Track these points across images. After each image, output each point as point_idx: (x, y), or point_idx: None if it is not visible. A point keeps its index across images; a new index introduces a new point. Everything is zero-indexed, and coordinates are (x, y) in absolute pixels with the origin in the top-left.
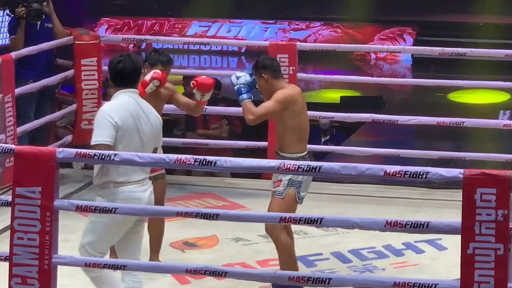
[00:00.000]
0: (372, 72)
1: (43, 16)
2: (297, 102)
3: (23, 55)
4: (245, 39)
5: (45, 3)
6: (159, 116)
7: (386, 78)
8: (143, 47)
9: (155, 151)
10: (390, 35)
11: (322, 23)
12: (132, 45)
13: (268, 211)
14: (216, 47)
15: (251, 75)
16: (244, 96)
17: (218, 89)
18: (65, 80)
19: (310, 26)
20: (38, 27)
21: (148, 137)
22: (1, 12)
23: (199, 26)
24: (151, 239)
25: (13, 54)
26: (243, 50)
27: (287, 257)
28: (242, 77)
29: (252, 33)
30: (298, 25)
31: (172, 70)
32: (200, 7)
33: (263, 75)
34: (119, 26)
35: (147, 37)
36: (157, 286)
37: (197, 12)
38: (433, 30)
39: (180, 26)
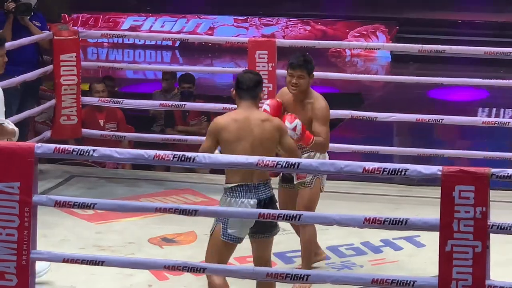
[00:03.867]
0: (347, 69)
1: (32, 12)
2: (226, 130)
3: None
4: (180, 33)
5: None
6: None
7: (365, 75)
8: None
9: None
10: (364, 32)
11: (292, 19)
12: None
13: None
14: (150, 42)
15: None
16: None
17: (192, 83)
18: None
19: (279, 22)
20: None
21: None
22: None
23: (133, 21)
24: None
25: None
26: (177, 45)
27: None
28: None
29: (186, 27)
30: (271, 21)
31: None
32: (171, 3)
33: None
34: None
35: (126, 32)
36: (135, 282)
37: (168, 8)
38: (413, 27)
39: (113, 20)
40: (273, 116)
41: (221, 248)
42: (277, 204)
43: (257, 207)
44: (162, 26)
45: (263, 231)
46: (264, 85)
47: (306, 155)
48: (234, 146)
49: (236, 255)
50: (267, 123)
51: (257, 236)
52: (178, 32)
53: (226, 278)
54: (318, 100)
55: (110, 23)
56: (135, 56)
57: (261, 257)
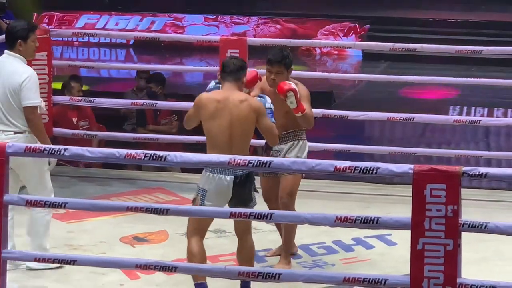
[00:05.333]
0: (317, 67)
1: (5, 11)
2: (206, 108)
3: None
4: (134, 31)
5: None
6: None
7: (336, 74)
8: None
9: None
10: (333, 30)
11: (262, 18)
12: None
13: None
14: (105, 39)
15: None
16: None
17: (162, 84)
18: None
19: (250, 20)
20: None
21: None
22: None
23: (88, 19)
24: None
25: None
26: (131, 43)
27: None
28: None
29: (140, 25)
30: (242, 20)
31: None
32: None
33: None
34: None
35: (97, 31)
36: (107, 281)
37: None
38: (384, 26)
39: (67, 19)
40: (248, 83)
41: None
42: (254, 182)
43: (233, 183)
44: (116, 24)
45: (239, 204)
46: None
47: (290, 143)
48: (211, 124)
49: (207, 253)
50: (245, 103)
51: (233, 206)
52: (133, 30)
53: None
54: (299, 84)
55: (65, 21)
56: (90, 54)
57: (238, 227)
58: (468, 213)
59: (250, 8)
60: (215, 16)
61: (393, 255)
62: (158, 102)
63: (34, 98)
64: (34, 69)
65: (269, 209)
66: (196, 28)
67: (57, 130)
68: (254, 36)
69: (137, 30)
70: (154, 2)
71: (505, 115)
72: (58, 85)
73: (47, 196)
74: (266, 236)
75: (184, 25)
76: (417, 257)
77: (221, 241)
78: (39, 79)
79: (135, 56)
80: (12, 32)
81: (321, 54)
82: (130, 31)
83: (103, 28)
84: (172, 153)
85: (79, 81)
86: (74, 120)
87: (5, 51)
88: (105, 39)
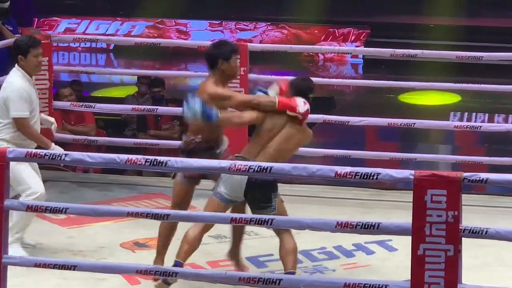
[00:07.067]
0: (320, 73)
1: (8, 16)
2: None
3: None
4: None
5: (8, 2)
6: None
7: (337, 79)
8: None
9: None
10: (336, 36)
11: (268, 23)
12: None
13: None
14: (85, 44)
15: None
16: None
17: (162, 87)
18: None
19: (257, 26)
20: None
21: None
22: None
23: (68, 24)
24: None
25: None
26: (111, 47)
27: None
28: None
29: (120, 30)
30: (247, 25)
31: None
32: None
33: None
34: None
35: (98, 37)
36: (107, 286)
37: (147, 12)
38: (385, 31)
39: (48, 23)
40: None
41: (213, 204)
42: (275, 188)
43: (247, 181)
44: (96, 29)
45: (253, 206)
46: (236, 89)
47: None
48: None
49: (208, 259)
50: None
51: (251, 208)
52: (113, 35)
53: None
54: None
55: (46, 26)
56: (70, 59)
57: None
58: (469, 219)
59: (251, 14)
60: (219, 22)
61: (393, 261)
62: (159, 107)
63: (19, 110)
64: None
65: None
66: (201, 34)
67: (58, 135)
68: (260, 42)
69: (117, 35)
70: (159, 8)
71: (506, 121)
72: None
73: (24, 192)
74: (267, 242)
75: (188, 31)
76: (417, 263)
77: (221, 246)
78: (40, 84)
79: (115, 60)
80: (14, 47)
81: (324, 60)
82: (111, 35)
83: (83, 33)
84: (173, 159)
85: (79, 86)
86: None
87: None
88: (85, 44)
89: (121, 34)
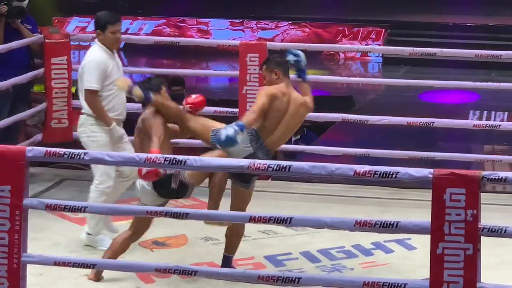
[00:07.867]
0: (341, 72)
1: (25, 15)
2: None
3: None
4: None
5: (26, 1)
6: None
7: (356, 78)
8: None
9: None
10: (357, 35)
11: (289, 22)
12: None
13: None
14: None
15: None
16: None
17: (182, 86)
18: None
19: (279, 25)
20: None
21: None
22: None
23: (79, 22)
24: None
25: None
26: (121, 46)
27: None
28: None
29: (131, 28)
30: (268, 24)
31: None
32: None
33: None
34: None
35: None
36: (121, 285)
37: (168, 11)
38: (404, 30)
39: (59, 22)
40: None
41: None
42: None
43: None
44: None
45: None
46: (255, 88)
47: None
48: None
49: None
50: None
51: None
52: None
53: None
54: None
55: (56, 25)
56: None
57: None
58: (488, 218)
59: (271, 12)
60: (240, 21)
61: (412, 259)
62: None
63: (90, 81)
64: (54, 74)
65: None
66: (222, 33)
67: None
68: (282, 41)
69: (127, 33)
70: (180, 7)
71: None
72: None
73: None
74: (285, 240)
75: (210, 30)
76: (436, 262)
77: (240, 245)
78: (59, 83)
79: (125, 59)
80: (95, 21)
81: (345, 59)
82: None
83: (93, 31)
84: (191, 157)
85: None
86: None
87: None
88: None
89: (131, 33)
